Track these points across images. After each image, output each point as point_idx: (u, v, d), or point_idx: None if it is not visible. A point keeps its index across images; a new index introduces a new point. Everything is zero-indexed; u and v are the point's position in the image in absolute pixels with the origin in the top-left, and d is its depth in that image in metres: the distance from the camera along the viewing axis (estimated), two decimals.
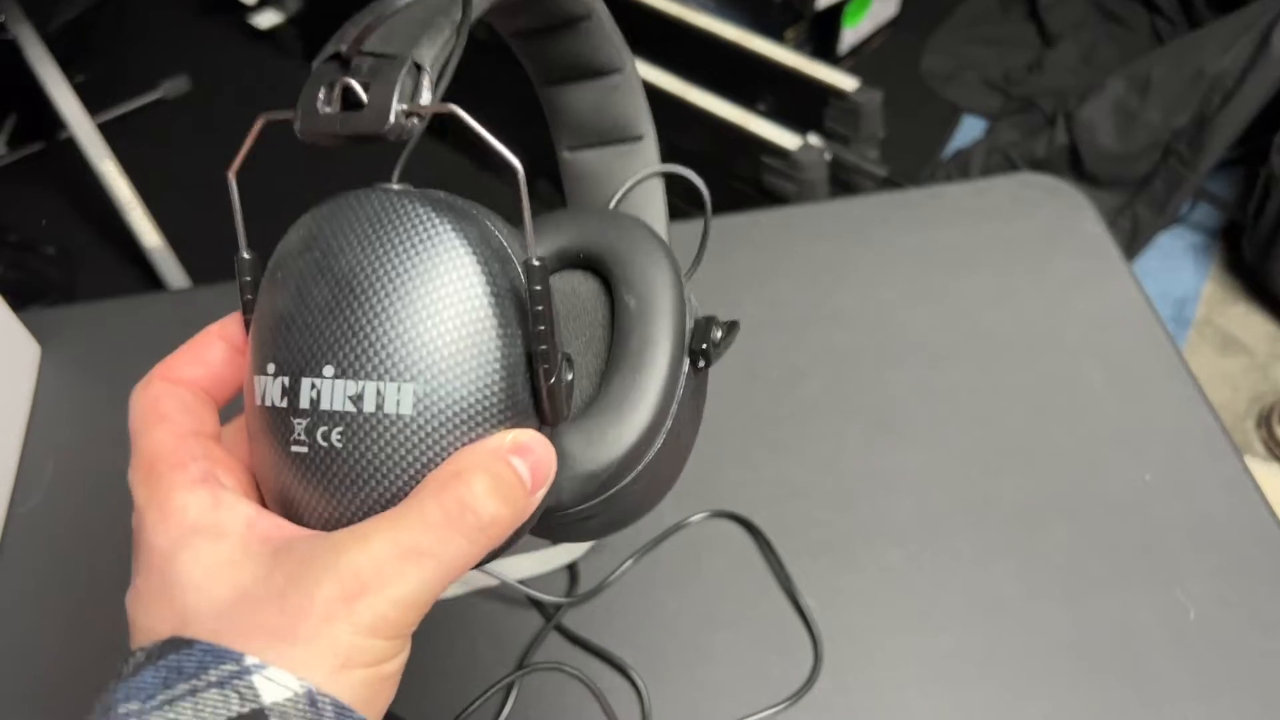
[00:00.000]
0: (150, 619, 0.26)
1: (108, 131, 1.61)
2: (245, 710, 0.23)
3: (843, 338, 0.70)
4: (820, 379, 0.68)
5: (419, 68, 0.27)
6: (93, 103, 1.64)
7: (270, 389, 0.27)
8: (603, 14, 0.36)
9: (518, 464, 0.27)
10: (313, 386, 0.27)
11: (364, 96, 0.27)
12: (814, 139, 1.38)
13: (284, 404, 0.27)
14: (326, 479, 0.27)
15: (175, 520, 0.26)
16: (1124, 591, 0.58)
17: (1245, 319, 1.66)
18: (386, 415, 0.26)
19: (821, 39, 2.01)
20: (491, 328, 0.27)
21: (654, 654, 0.55)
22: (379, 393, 0.26)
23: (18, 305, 0.69)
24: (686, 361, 0.34)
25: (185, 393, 0.30)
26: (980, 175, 1.67)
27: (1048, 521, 0.60)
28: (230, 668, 0.24)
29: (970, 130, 1.92)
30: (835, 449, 0.64)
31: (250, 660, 0.24)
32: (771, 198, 1.40)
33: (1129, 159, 1.60)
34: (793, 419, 0.65)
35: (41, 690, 0.56)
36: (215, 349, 0.31)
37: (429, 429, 0.26)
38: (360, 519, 0.26)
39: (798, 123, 1.42)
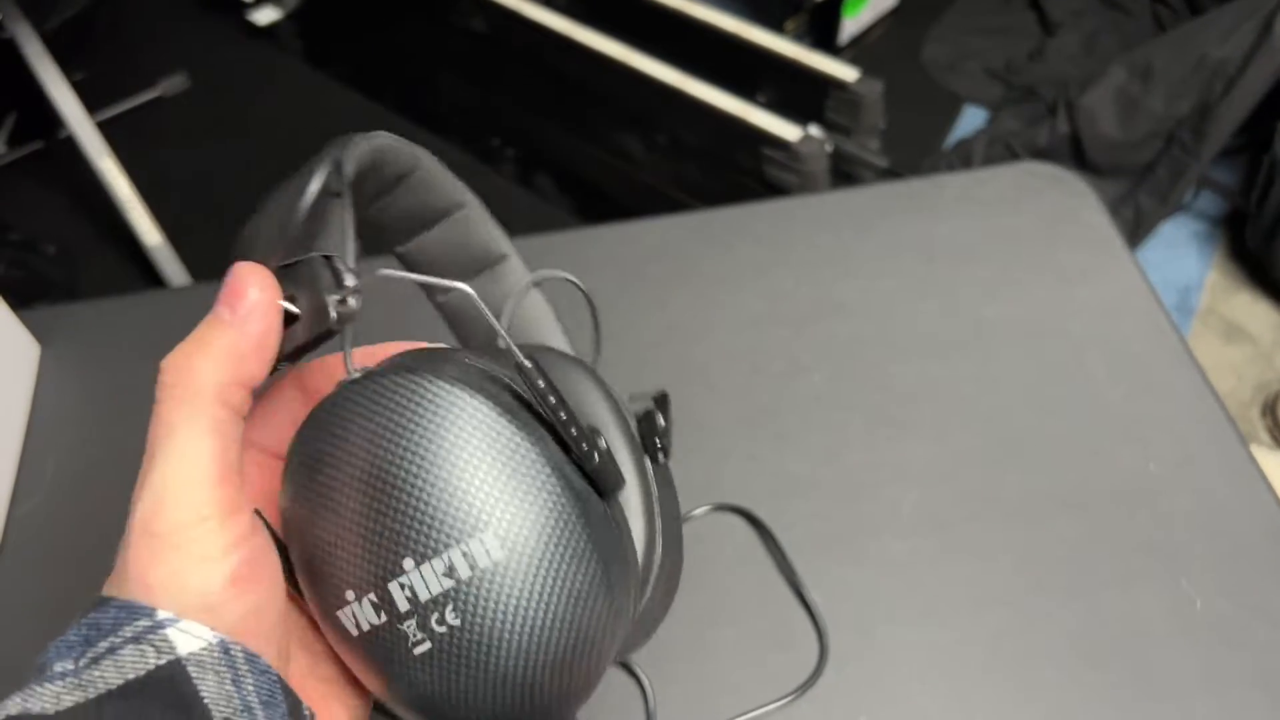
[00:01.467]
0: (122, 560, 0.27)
1: (107, 129, 1.61)
2: (163, 662, 0.24)
3: (845, 330, 0.69)
4: (822, 372, 0.67)
5: (328, 258, 0.28)
6: (92, 101, 1.64)
7: (360, 614, 0.27)
8: (428, 162, 0.37)
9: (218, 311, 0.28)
10: (403, 586, 0.27)
11: (297, 310, 0.28)
12: (815, 130, 1.38)
13: (383, 619, 0.27)
14: (463, 657, 0.27)
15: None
16: (1129, 583, 0.57)
17: (1250, 307, 1.66)
18: (484, 570, 0.26)
19: (822, 30, 2.01)
20: (523, 441, 0.27)
21: (658, 648, 0.55)
22: (466, 554, 0.26)
23: (19, 304, 0.69)
24: (649, 464, 0.35)
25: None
26: (982, 165, 1.66)
27: (1052, 513, 0.60)
28: (144, 623, 0.24)
29: (972, 120, 1.91)
30: (838, 442, 0.64)
31: (162, 615, 0.24)
32: (772, 189, 1.40)
33: (1131, 147, 1.59)
34: (795, 412, 0.65)
35: None
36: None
37: (527, 555, 0.26)
38: (516, 668, 0.27)
39: (798, 114, 1.42)
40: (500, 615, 0.26)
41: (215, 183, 1.84)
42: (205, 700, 0.24)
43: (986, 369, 0.67)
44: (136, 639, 0.24)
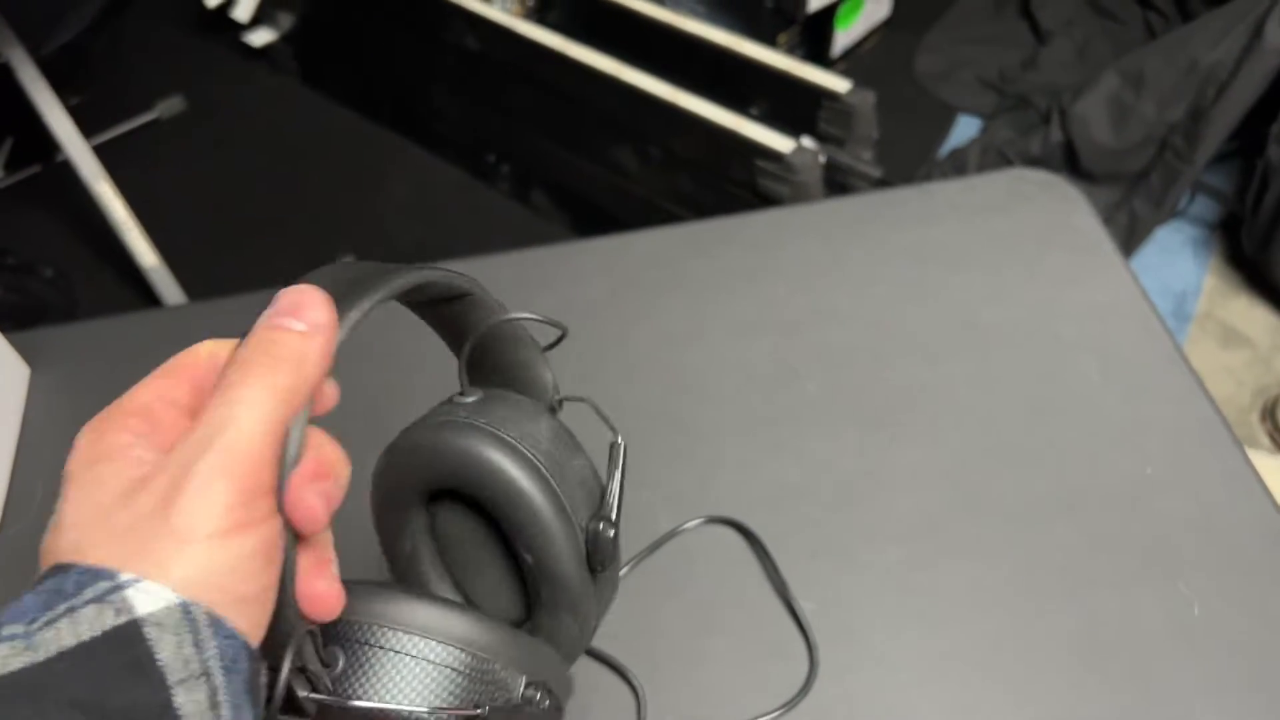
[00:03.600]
0: (45, 548, 0.27)
1: (104, 152, 1.61)
2: (120, 621, 0.24)
3: (837, 337, 0.69)
4: (815, 379, 0.67)
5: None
6: (89, 124, 1.64)
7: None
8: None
9: (281, 320, 0.29)
10: None
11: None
12: (808, 141, 1.38)
13: None
14: None
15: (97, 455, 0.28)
16: (1126, 587, 0.57)
17: (1247, 312, 1.66)
18: None
19: (814, 43, 2.01)
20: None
21: (651, 659, 0.55)
22: None
23: (17, 327, 0.69)
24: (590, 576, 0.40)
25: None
26: (976, 173, 1.67)
27: (1048, 518, 0.60)
28: (105, 584, 0.25)
29: (965, 130, 1.91)
30: (831, 449, 0.64)
31: (124, 576, 0.25)
32: (766, 201, 1.40)
33: (1125, 154, 1.59)
34: (788, 420, 0.65)
35: None
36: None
37: None
38: None
39: (791, 126, 1.42)
40: None
41: (212, 204, 1.85)
42: (160, 662, 0.24)
43: (980, 374, 0.67)
44: (97, 599, 0.24)
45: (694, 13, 1.65)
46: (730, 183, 1.44)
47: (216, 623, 0.26)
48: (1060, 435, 0.63)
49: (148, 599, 0.25)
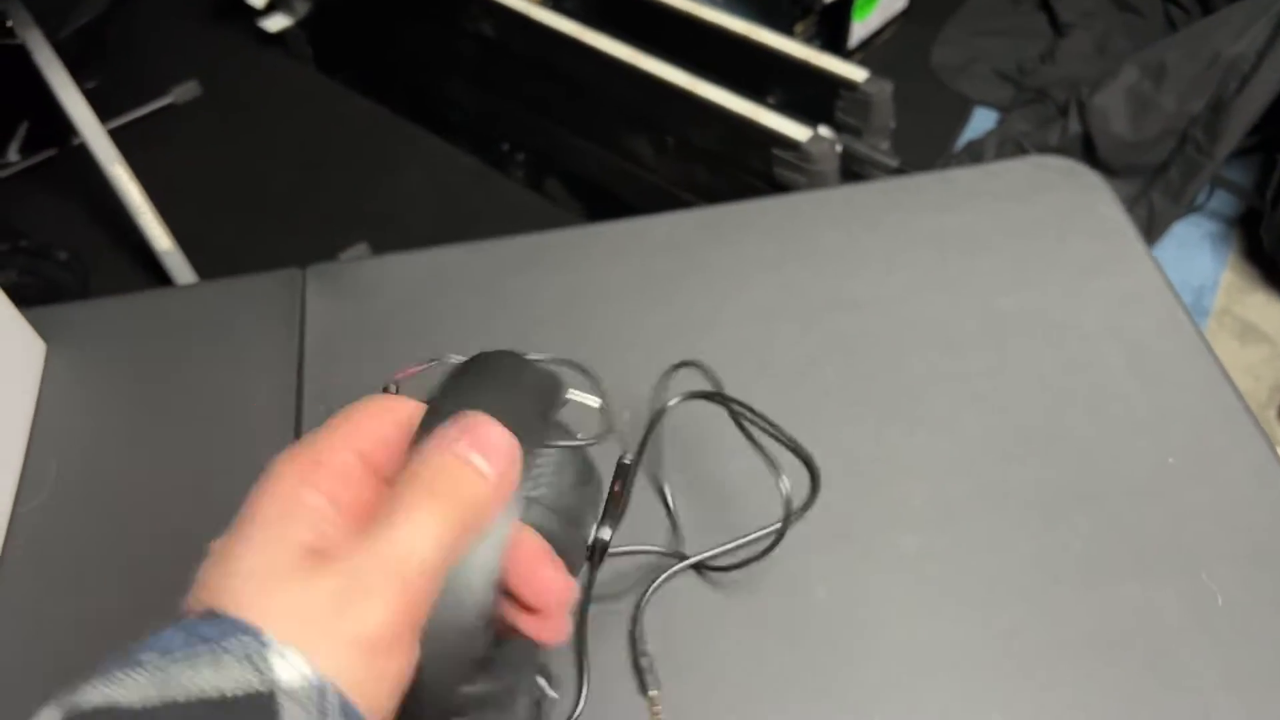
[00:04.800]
0: (205, 580, 0.27)
1: (119, 137, 1.61)
2: (261, 688, 0.24)
3: (856, 324, 0.68)
4: (833, 366, 0.66)
5: None
6: (104, 108, 1.64)
7: None
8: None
9: (471, 457, 0.29)
10: None
11: None
12: (825, 131, 1.37)
13: None
14: None
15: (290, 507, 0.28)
16: (1147, 577, 0.56)
17: (1265, 307, 1.64)
18: None
19: (831, 33, 2.00)
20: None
21: (671, 660, 0.55)
22: None
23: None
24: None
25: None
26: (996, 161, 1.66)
27: (1067, 507, 0.59)
28: (252, 643, 0.25)
29: (982, 122, 1.90)
30: (849, 436, 0.63)
31: (268, 638, 0.25)
32: (782, 190, 1.39)
33: (1144, 146, 1.58)
34: (805, 407, 0.64)
35: (45, 689, 0.55)
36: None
37: None
38: None
39: (808, 115, 1.41)
40: None
41: (226, 189, 1.85)
42: None
43: (999, 362, 0.66)
44: (240, 657, 0.24)
45: (711, 1, 1.64)
46: (746, 172, 1.43)
47: (348, 711, 0.25)
48: (1081, 425, 0.63)
49: (289, 671, 0.25)
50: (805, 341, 0.68)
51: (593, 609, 0.54)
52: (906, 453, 0.62)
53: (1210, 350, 0.66)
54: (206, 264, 1.65)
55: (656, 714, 0.52)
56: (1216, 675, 0.53)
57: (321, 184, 1.86)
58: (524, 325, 0.70)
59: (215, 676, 0.24)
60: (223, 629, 0.25)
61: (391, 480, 0.30)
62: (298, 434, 0.63)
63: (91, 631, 0.55)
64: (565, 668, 0.54)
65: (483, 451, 0.29)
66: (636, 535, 0.58)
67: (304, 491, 0.29)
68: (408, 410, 0.31)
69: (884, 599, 0.56)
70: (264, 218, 1.80)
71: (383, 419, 0.32)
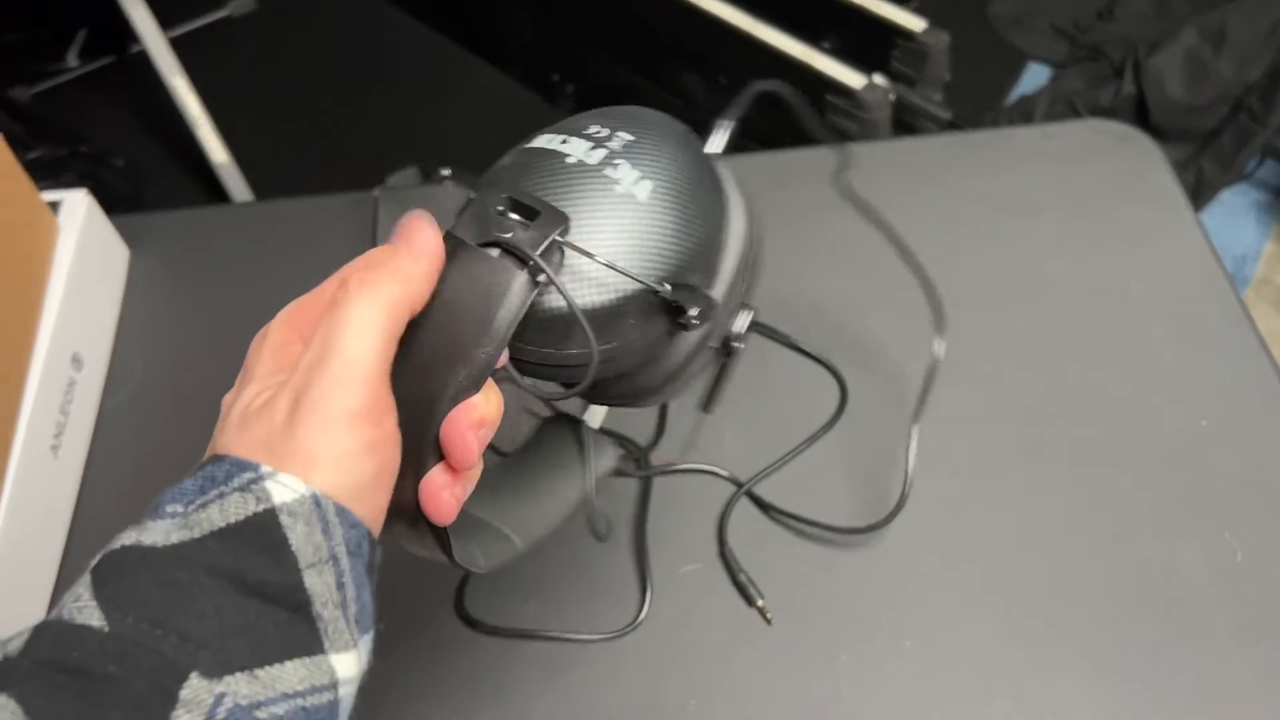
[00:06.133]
0: (216, 435, 0.31)
1: (174, 47, 1.63)
2: (260, 509, 0.28)
3: (905, 276, 0.70)
4: (880, 315, 0.69)
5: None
6: (160, 18, 1.66)
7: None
8: None
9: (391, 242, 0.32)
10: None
11: None
12: (880, 79, 1.37)
13: None
14: None
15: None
16: (1171, 533, 0.59)
17: None
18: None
19: None
20: None
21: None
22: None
23: None
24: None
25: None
26: (1044, 122, 1.65)
27: (1099, 463, 0.62)
28: (250, 475, 0.28)
29: (1035, 78, 1.88)
30: (890, 385, 0.66)
31: (264, 469, 0.28)
32: (834, 137, 1.40)
33: (1197, 111, 1.57)
34: (855, 351, 0.67)
35: None
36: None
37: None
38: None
39: (864, 62, 1.41)
40: None
41: (279, 105, 1.86)
42: (293, 546, 0.28)
43: (1043, 322, 0.68)
44: (242, 489, 0.28)
45: None
46: (798, 116, 1.43)
47: (343, 513, 0.29)
48: (1117, 385, 0.65)
49: (284, 490, 0.28)
50: (855, 289, 0.70)
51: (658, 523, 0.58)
52: (948, 402, 0.64)
53: (1250, 319, 0.68)
54: (259, 177, 1.67)
55: (769, 618, 0.57)
56: (1229, 628, 0.55)
57: (372, 107, 1.88)
58: None
59: (221, 510, 0.28)
60: (228, 470, 0.29)
61: None
62: None
63: None
64: (629, 579, 0.57)
65: (401, 235, 0.32)
66: (693, 455, 0.61)
67: (294, 344, 0.32)
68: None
69: (918, 535, 0.59)
70: (313, 135, 1.82)
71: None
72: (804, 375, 0.66)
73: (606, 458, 0.47)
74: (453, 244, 0.33)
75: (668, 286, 0.35)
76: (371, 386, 0.30)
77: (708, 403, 0.44)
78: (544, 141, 0.37)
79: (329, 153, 1.78)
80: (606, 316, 0.34)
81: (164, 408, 0.66)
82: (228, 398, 0.32)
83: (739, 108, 0.45)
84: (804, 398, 0.65)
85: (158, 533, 0.28)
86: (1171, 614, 0.56)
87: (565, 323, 0.34)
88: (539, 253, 0.32)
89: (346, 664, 0.29)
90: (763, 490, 0.61)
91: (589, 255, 0.33)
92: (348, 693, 0.29)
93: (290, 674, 0.27)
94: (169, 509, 0.28)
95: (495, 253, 0.32)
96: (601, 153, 0.36)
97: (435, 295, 0.32)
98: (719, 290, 0.39)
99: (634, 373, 0.39)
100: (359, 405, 0.29)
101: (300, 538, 0.28)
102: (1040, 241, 0.72)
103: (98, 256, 0.70)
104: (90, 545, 0.61)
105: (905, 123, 1.41)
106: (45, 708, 0.24)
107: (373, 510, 0.31)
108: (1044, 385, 0.65)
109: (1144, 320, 0.68)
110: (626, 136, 0.37)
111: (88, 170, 1.62)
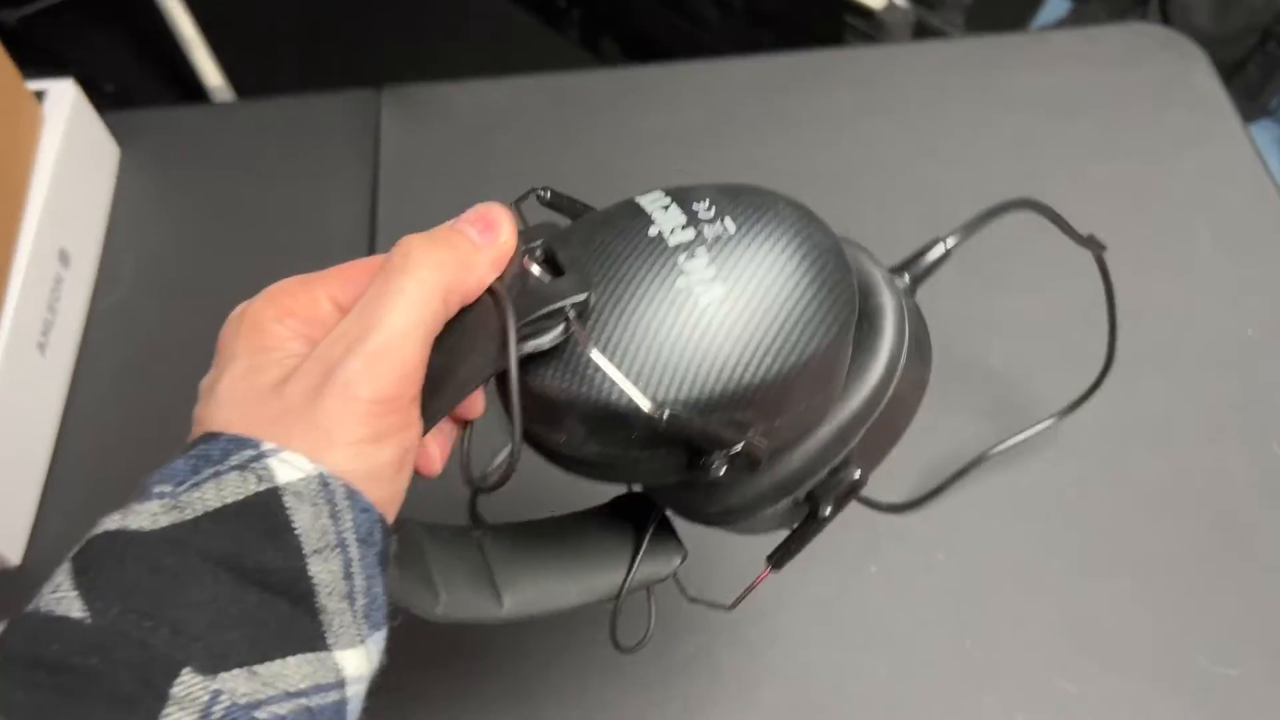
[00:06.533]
0: (199, 416, 0.28)
1: None
2: (261, 489, 0.25)
3: (940, 178, 0.67)
4: (915, 221, 0.65)
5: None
6: None
7: None
8: None
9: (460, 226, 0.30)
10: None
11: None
12: (900, 0, 1.33)
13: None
14: None
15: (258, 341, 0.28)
16: (1217, 443, 0.56)
17: None
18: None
19: None
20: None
21: None
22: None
23: None
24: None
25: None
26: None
27: (1145, 370, 0.59)
28: (249, 453, 0.25)
29: (1056, 8, 1.83)
30: (926, 292, 0.62)
31: (266, 446, 0.25)
32: None
33: (1225, 42, 1.52)
34: (889, 257, 0.64)
35: (123, 480, 0.57)
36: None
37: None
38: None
39: None
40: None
41: (275, 28, 1.81)
42: (296, 530, 0.25)
43: (1085, 226, 0.65)
44: (240, 467, 0.25)
45: None
46: (815, 40, 1.39)
47: (354, 496, 0.26)
48: (1163, 293, 0.62)
49: (288, 469, 0.25)
50: (889, 196, 0.67)
51: None
52: (984, 309, 0.62)
53: None
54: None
55: None
56: (1276, 535, 0.53)
57: (369, 30, 1.83)
58: (601, 162, 0.69)
59: (217, 490, 0.25)
60: (224, 447, 0.26)
61: None
62: (371, 244, 0.63)
63: (165, 417, 0.57)
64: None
65: (475, 223, 0.30)
66: None
67: (270, 326, 0.29)
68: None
69: (959, 444, 0.56)
70: (315, 61, 1.77)
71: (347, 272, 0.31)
72: None
73: (662, 563, 0.38)
74: None
75: (667, 412, 0.28)
76: (408, 370, 0.27)
77: (775, 558, 0.37)
78: (649, 200, 0.33)
79: (321, 75, 1.73)
80: (596, 418, 0.30)
81: (157, 309, 0.63)
82: (205, 380, 0.28)
83: (970, 229, 0.42)
84: None
85: (144, 516, 0.25)
86: (1219, 520, 0.54)
87: (549, 404, 0.30)
88: (535, 316, 0.29)
89: (353, 661, 0.26)
90: None
91: (579, 342, 0.29)
92: (355, 693, 0.26)
93: (293, 671, 0.25)
94: (156, 490, 0.25)
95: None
96: (689, 234, 0.31)
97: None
98: (793, 438, 0.33)
99: (677, 491, 0.35)
100: (391, 392, 0.26)
101: (305, 520, 0.25)
102: (1080, 144, 0.69)
103: (86, 150, 0.66)
104: (81, 448, 0.58)
105: None
106: (22, 704, 0.22)
107: (388, 496, 0.28)
108: (1085, 292, 0.62)
109: (1189, 226, 0.65)
110: (729, 226, 0.32)
111: None
